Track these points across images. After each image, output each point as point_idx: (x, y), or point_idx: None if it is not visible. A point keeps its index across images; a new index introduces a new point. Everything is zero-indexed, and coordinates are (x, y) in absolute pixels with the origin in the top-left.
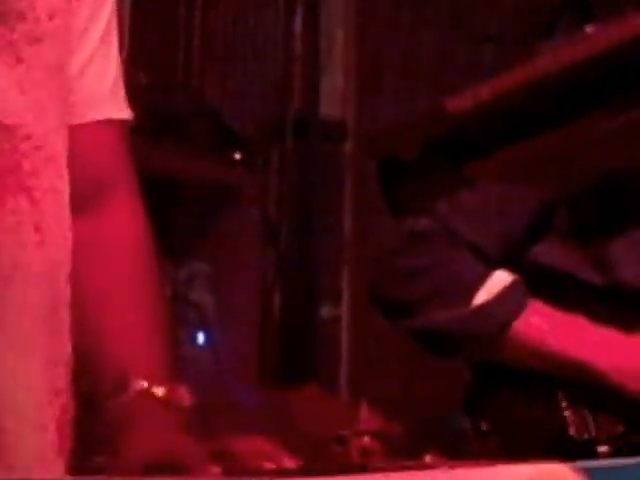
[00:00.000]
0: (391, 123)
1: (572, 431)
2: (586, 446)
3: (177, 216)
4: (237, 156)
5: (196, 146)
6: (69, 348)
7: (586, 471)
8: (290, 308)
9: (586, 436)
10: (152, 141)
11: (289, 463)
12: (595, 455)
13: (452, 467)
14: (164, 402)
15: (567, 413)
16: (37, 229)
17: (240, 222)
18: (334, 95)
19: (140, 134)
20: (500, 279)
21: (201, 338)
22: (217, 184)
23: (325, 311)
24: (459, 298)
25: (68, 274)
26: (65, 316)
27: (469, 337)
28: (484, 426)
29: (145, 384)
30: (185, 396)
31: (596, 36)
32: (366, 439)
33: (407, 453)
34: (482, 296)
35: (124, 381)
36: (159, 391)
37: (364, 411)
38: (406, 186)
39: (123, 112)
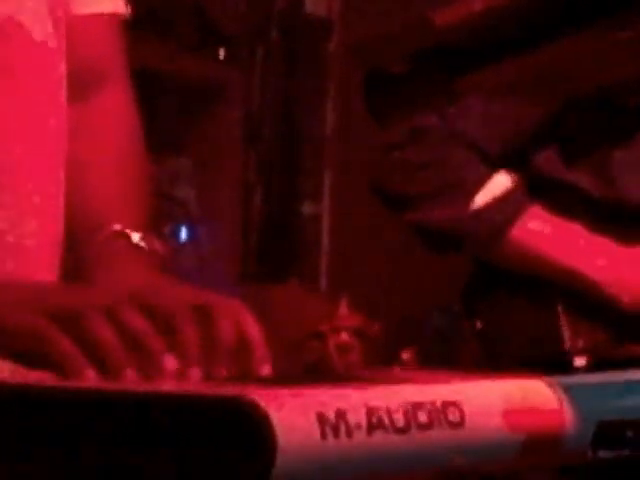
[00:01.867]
0: (378, 35)
1: (565, 337)
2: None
3: (160, 112)
4: (221, 53)
5: (180, 42)
6: None
7: (564, 387)
8: (272, 205)
9: (579, 344)
10: (135, 36)
11: (253, 329)
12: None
13: (424, 380)
14: (138, 244)
15: (562, 319)
16: None
17: (223, 119)
18: None
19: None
20: (500, 182)
21: (184, 234)
22: (201, 81)
23: (306, 208)
24: (459, 197)
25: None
26: None
27: (467, 238)
28: (479, 324)
29: (120, 227)
30: (159, 244)
31: None
32: (344, 335)
33: (385, 351)
34: (481, 198)
35: (100, 225)
36: (134, 235)
37: (343, 308)
38: (392, 98)
39: (118, 6)
